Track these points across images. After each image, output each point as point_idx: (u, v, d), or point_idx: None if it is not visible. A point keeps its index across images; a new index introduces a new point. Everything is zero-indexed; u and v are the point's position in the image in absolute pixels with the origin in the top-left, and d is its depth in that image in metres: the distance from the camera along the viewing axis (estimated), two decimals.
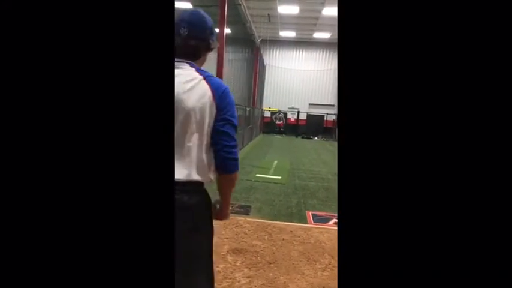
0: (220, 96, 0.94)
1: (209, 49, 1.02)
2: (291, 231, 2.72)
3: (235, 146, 0.97)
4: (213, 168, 0.99)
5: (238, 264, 2.10)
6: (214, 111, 0.94)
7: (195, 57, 0.99)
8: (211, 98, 0.93)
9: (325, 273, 2.05)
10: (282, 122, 14.52)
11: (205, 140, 0.95)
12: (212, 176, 1.00)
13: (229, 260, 2.14)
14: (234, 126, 0.97)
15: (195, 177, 0.94)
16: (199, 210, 0.96)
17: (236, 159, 0.98)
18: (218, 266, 2.03)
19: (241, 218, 2.94)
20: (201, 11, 1.01)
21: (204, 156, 0.95)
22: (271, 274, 1.99)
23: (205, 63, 1.10)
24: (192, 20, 0.97)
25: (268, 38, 14.07)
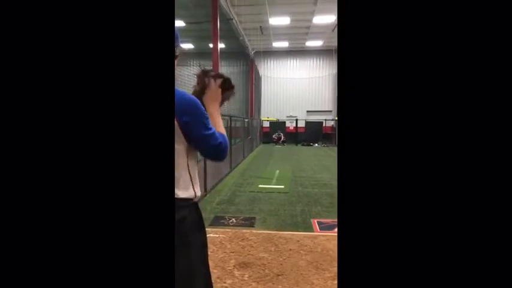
0: (183, 112, 0.91)
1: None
2: (298, 241, 2.68)
3: (221, 143, 0.99)
4: (197, 184, 1.02)
5: (245, 278, 2.05)
6: (179, 130, 0.92)
7: None
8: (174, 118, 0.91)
9: (335, 282, 2.00)
10: (280, 136, 14.58)
11: (182, 158, 0.96)
12: (197, 191, 1.02)
13: (237, 275, 2.09)
14: (212, 134, 0.98)
15: (180, 194, 0.95)
16: (186, 225, 0.96)
17: (225, 151, 1.02)
18: (225, 282, 1.99)
19: (246, 231, 2.90)
20: None
21: (185, 174, 0.97)
22: (280, 286, 1.95)
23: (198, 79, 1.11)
24: None
25: (261, 50, 14.29)
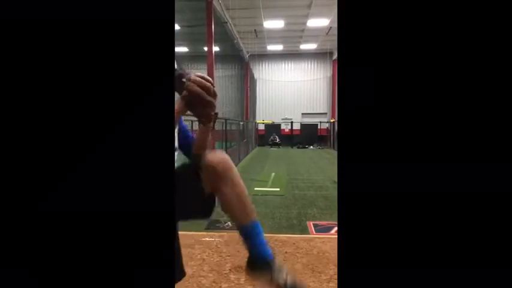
0: None
1: None
2: (294, 243, 2.68)
3: None
4: None
5: (242, 282, 2.04)
6: None
7: None
8: None
9: (331, 285, 2.00)
10: (276, 138, 14.65)
11: None
12: None
13: (232, 279, 2.08)
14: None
15: None
16: None
17: None
18: (221, 286, 1.98)
19: None
20: None
21: None
22: None
23: None
24: None
25: (256, 53, 14.34)
